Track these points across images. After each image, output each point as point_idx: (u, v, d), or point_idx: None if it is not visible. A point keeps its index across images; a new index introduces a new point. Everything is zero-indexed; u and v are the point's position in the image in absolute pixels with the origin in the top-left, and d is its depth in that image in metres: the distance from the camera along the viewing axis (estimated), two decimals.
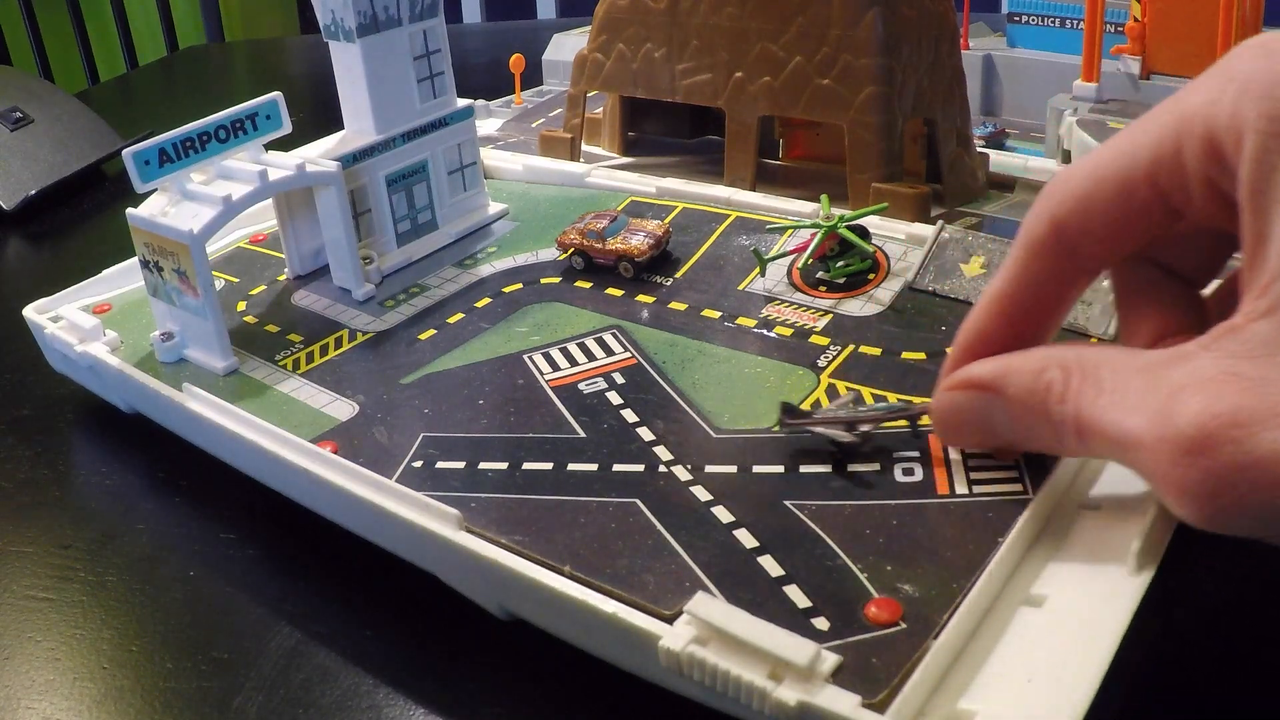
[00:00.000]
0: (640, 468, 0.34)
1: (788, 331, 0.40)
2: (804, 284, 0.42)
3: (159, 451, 0.43)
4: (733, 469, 0.33)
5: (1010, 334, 0.29)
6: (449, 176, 0.51)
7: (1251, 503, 0.22)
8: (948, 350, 0.31)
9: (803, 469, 0.33)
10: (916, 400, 0.34)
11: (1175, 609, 0.31)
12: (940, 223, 0.42)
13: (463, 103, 0.51)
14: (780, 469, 0.33)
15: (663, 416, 0.36)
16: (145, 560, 0.37)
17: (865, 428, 0.33)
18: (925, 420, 0.33)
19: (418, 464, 0.35)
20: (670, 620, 0.27)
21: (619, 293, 0.44)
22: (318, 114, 0.74)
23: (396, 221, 0.49)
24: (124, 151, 0.39)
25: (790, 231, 0.45)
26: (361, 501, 0.32)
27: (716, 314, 0.41)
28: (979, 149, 0.55)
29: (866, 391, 0.35)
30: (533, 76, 0.79)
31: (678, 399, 0.37)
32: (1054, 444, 0.27)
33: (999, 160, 0.57)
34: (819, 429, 0.33)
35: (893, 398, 0.35)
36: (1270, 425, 0.21)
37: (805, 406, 0.35)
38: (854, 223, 0.42)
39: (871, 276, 0.42)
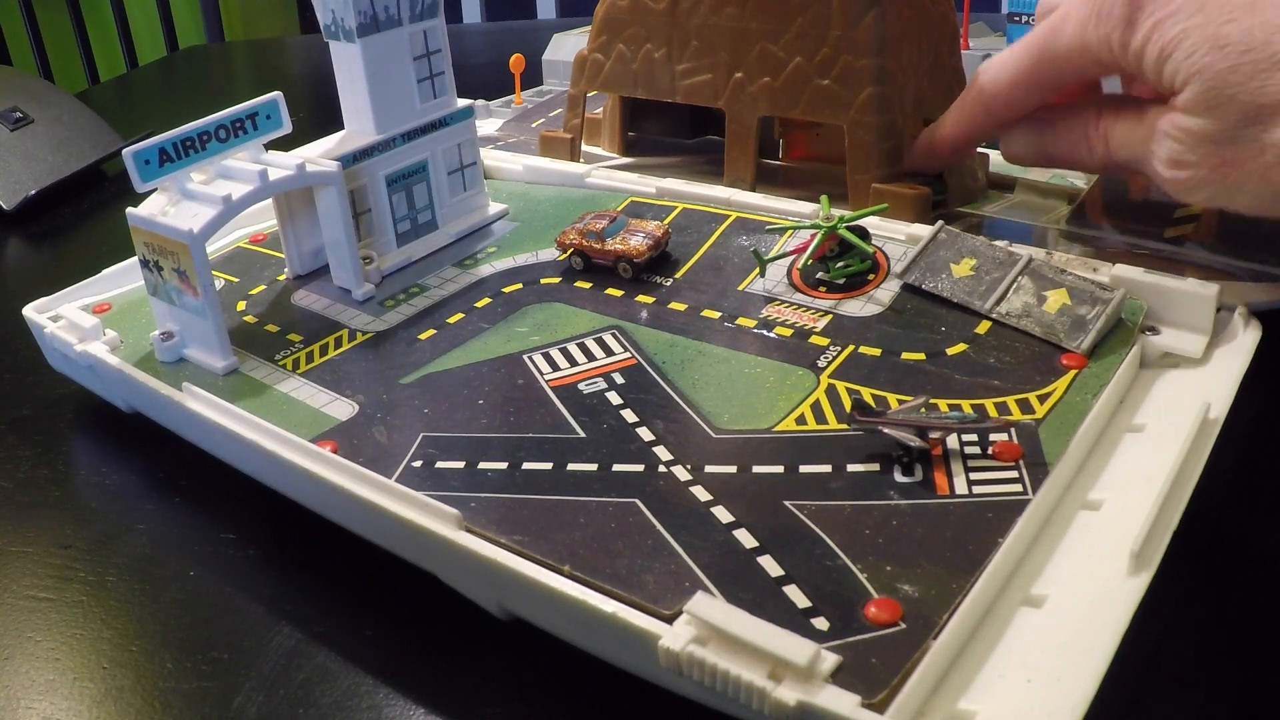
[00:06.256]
0: (640, 468, 0.34)
1: (787, 332, 0.40)
2: (804, 284, 0.42)
3: (159, 451, 0.43)
4: (733, 469, 0.33)
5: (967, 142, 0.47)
6: (449, 176, 0.51)
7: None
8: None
9: (803, 469, 0.33)
10: (992, 413, 0.34)
11: (1174, 609, 0.31)
12: (940, 223, 0.42)
13: (463, 103, 0.51)
14: (780, 469, 0.33)
15: (663, 416, 0.36)
16: (145, 560, 0.37)
17: (936, 434, 0.33)
18: (998, 435, 0.33)
19: (417, 464, 0.35)
20: (670, 620, 0.27)
21: (619, 293, 0.44)
22: (318, 114, 0.74)
23: (396, 221, 0.49)
24: (124, 151, 0.39)
25: (790, 232, 0.45)
26: (361, 501, 0.32)
27: (716, 314, 0.41)
28: (979, 149, 0.55)
29: (943, 404, 0.35)
30: (533, 76, 0.79)
31: (677, 399, 0.37)
32: (1086, 155, 0.42)
33: (999, 160, 0.56)
34: (889, 430, 0.33)
35: (967, 406, 0.34)
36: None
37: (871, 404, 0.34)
38: (854, 223, 0.42)
39: (871, 277, 0.42)
